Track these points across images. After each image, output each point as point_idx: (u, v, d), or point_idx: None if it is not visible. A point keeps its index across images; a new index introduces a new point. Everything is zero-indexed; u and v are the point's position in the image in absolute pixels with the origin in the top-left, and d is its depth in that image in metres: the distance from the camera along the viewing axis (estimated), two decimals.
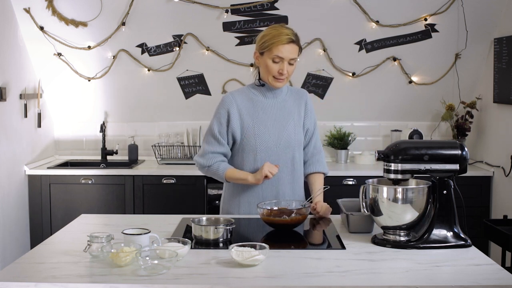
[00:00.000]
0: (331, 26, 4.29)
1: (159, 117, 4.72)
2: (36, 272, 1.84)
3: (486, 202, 4.19)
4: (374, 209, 2.14)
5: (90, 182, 4.21)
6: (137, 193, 4.21)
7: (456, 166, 2.13)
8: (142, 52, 4.42)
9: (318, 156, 2.73)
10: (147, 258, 1.86)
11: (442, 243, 2.10)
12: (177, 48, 4.39)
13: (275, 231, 2.34)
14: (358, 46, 4.36)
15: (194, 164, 2.73)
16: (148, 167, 4.38)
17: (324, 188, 2.63)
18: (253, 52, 2.61)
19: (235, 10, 4.23)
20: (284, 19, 4.22)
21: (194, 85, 4.55)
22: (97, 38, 4.35)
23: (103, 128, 4.63)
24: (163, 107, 4.66)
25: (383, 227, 2.16)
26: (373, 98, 4.58)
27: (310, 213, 2.54)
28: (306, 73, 4.49)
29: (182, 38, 4.37)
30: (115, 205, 4.21)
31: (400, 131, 4.56)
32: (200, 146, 4.42)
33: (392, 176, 2.15)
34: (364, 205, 2.20)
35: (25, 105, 4.22)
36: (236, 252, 1.88)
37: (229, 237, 2.17)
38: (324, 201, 2.63)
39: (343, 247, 2.10)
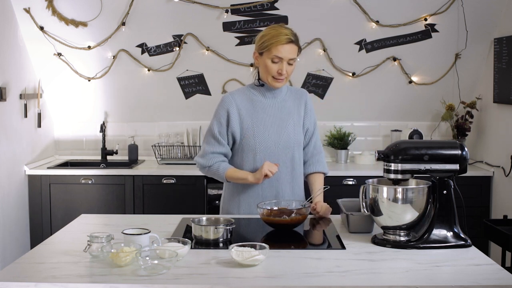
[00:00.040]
0: (331, 26, 4.29)
1: (159, 117, 4.72)
2: (36, 272, 1.84)
3: (486, 202, 4.19)
4: (374, 209, 2.14)
5: (90, 182, 4.21)
6: (137, 193, 4.21)
7: (456, 166, 2.13)
8: (142, 52, 4.43)
9: (318, 156, 2.72)
10: (147, 258, 1.86)
11: (442, 243, 2.10)
12: (177, 48, 4.39)
13: (275, 231, 2.34)
14: (358, 46, 4.36)
15: (194, 164, 2.73)
16: (148, 167, 4.38)
17: (324, 188, 2.62)
18: (253, 52, 2.61)
19: (235, 10, 4.23)
20: (284, 19, 4.23)
21: (194, 85, 4.55)
22: (97, 38, 4.35)
23: (103, 128, 4.63)
24: (163, 107, 4.66)
25: (383, 227, 2.16)
26: (373, 98, 4.58)
27: (310, 213, 2.54)
28: (306, 73, 4.49)
29: (182, 38, 4.37)
30: (115, 205, 4.21)
31: (400, 131, 4.56)
32: (200, 146, 4.43)
33: (392, 176, 2.15)
34: (364, 205, 2.20)
35: (25, 105, 4.22)
36: (236, 252, 1.88)
37: (229, 237, 2.17)
38: (324, 201, 2.63)
39: (343, 247, 2.10)
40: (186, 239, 2.01)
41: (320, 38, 4.37)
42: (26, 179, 4.23)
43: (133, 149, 4.59)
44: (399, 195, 2.08)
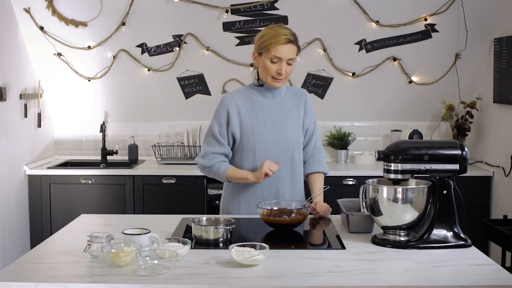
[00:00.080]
0: (331, 26, 4.29)
1: (159, 117, 4.72)
2: (36, 272, 1.84)
3: (486, 202, 4.19)
4: (374, 209, 2.14)
5: (90, 182, 4.21)
6: (137, 193, 4.21)
7: (456, 166, 2.13)
8: (142, 52, 4.43)
9: (318, 156, 2.72)
10: (147, 258, 1.86)
11: (442, 243, 2.10)
12: (177, 48, 4.39)
13: (275, 231, 2.34)
14: (358, 46, 4.36)
15: (194, 164, 2.74)
16: (148, 167, 4.38)
17: (324, 188, 2.62)
18: (252, 52, 2.61)
19: (235, 10, 4.23)
20: (284, 19, 4.23)
21: (194, 85, 4.55)
22: (97, 38, 4.35)
23: (103, 128, 4.63)
24: (163, 107, 4.66)
25: (383, 227, 2.16)
26: (373, 98, 4.58)
27: (310, 213, 2.54)
28: (306, 73, 4.49)
29: (182, 38, 4.37)
30: (115, 205, 4.21)
31: (400, 131, 4.56)
32: (200, 146, 4.43)
33: (392, 176, 2.15)
34: (364, 205, 2.20)
35: (25, 105, 4.22)
36: (236, 252, 1.88)
37: (229, 237, 2.17)
38: (324, 201, 2.63)
39: (343, 247, 2.10)
40: (186, 239, 2.01)
41: (320, 38, 4.37)
42: (26, 179, 4.23)
43: (133, 149, 4.59)
44: (399, 195, 2.08)
